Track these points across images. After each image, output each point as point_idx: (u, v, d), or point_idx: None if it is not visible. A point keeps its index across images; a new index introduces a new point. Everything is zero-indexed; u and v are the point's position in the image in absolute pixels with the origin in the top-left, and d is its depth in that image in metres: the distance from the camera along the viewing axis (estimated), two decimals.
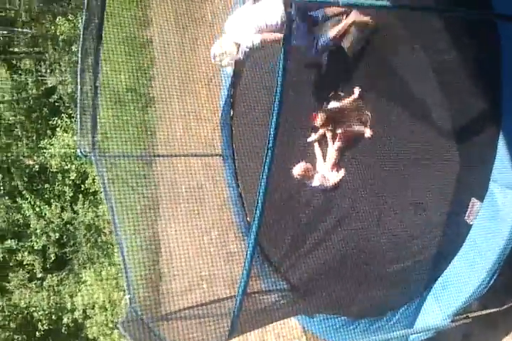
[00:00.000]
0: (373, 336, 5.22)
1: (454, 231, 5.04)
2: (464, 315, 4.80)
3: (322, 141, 6.38)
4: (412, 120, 5.49)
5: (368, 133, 5.90)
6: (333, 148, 6.22)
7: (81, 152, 6.12)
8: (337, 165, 6.23)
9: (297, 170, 6.13)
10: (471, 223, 4.90)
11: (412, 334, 5.00)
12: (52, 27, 15.79)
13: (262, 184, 3.18)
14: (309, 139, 6.43)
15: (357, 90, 5.98)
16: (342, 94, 6.17)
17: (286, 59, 2.94)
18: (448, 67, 5.12)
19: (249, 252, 3.42)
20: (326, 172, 6.21)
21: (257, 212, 3.26)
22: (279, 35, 4.77)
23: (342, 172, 6.17)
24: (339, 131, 6.09)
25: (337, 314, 5.87)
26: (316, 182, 6.17)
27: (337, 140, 6.18)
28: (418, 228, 5.37)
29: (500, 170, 4.64)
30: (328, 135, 6.24)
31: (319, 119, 5.98)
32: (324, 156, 6.32)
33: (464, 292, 4.79)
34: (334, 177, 6.17)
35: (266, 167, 3.18)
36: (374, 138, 5.85)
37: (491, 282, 4.65)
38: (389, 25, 5.54)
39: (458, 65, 5.00)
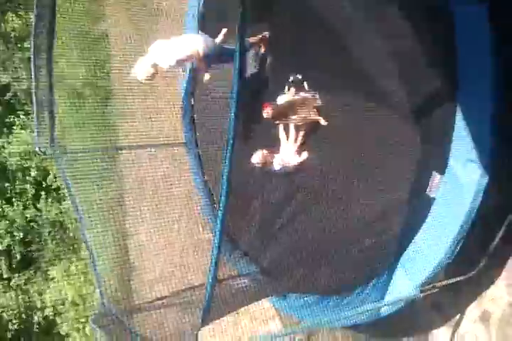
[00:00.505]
0: (345, 311, 5.34)
1: (418, 205, 5.19)
2: (431, 285, 4.96)
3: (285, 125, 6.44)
4: (369, 103, 5.58)
5: (322, 121, 6.06)
6: (292, 133, 6.30)
7: (39, 149, 6.04)
8: (299, 148, 6.30)
9: (255, 158, 6.23)
10: (433, 196, 5.04)
11: (383, 306, 5.13)
12: (2, 24, 15.35)
13: (225, 171, 3.22)
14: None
15: (305, 84, 6.19)
16: (291, 85, 6.32)
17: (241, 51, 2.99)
18: (404, 49, 5.21)
19: (216, 239, 3.46)
20: (287, 155, 6.28)
21: (223, 198, 3.30)
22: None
23: (305, 155, 6.26)
24: (293, 121, 6.19)
25: (307, 292, 5.98)
26: (276, 166, 6.26)
27: (294, 127, 6.28)
28: (383, 204, 5.50)
29: (458, 144, 4.79)
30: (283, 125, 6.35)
31: (268, 113, 6.05)
32: (287, 140, 6.39)
33: (431, 263, 4.97)
34: (296, 159, 6.25)
35: (228, 154, 3.22)
36: (334, 123, 5.94)
37: (455, 252, 4.81)
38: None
39: (413, 46, 5.09)
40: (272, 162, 6.29)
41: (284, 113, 6.13)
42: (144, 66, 5.81)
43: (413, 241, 5.21)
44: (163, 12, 7.34)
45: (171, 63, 5.82)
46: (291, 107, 6.12)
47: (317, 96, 6.13)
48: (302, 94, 6.22)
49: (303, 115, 6.09)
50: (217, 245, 3.49)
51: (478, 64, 4.60)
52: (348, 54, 5.65)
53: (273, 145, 6.36)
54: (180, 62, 5.99)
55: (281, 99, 6.24)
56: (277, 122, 6.30)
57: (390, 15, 5.22)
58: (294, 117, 6.12)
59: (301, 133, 6.29)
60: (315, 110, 6.10)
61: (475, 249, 4.96)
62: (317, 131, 6.21)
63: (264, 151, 6.28)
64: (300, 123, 6.20)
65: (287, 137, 6.37)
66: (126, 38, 6.58)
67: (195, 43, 5.90)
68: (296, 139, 6.31)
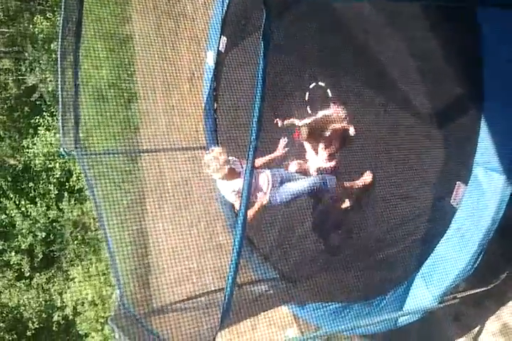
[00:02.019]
0: (364, 320, 5.28)
1: (440, 214, 5.12)
2: (452, 296, 4.89)
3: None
4: (395, 109, 5.55)
5: (351, 131, 5.99)
6: (323, 144, 6.27)
7: (64, 150, 6.09)
8: (328, 157, 6.28)
9: (293, 167, 6.20)
10: (456, 206, 4.97)
11: (401, 316, 5.07)
12: (31, 26, 15.61)
13: (247, 175, 3.21)
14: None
15: (328, 91, 6.12)
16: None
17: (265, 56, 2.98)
18: (428, 53, 5.16)
19: (236, 243, 3.45)
20: (319, 164, 6.25)
21: (243, 202, 3.29)
22: None
23: (334, 162, 6.23)
24: (326, 135, 6.14)
25: (327, 301, 5.93)
26: (313, 172, 6.24)
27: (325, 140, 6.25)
28: (405, 213, 5.43)
29: (483, 152, 4.71)
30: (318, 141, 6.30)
31: (303, 135, 6.02)
32: (315, 151, 6.36)
33: (451, 273, 4.88)
34: (327, 164, 6.23)
35: (250, 159, 3.21)
36: (359, 131, 5.91)
37: (477, 263, 4.73)
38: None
39: (438, 51, 5.04)
40: (307, 170, 6.27)
41: (316, 129, 6.09)
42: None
43: (434, 251, 5.15)
44: (188, 16, 7.39)
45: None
46: (321, 123, 6.08)
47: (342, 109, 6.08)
48: (325, 111, 6.16)
49: (336, 128, 6.05)
50: (237, 249, 3.47)
51: (504, 71, 4.54)
52: (371, 60, 5.63)
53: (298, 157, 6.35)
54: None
55: (306, 120, 6.18)
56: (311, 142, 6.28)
57: (415, 24, 5.19)
58: (327, 133, 6.09)
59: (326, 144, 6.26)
60: (342, 122, 6.05)
61: (497, 260, 4.90)
62: (342, 141, 6.18)
63: (301, 161, 6.27)
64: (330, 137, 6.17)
65: (314, 149, 6.35)
66: (150, 41, 6.63)
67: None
68: (323, 151, 6.28)
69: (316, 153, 6.31)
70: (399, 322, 5.22)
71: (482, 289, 4.87)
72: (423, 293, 5.12)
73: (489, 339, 5.33)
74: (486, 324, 5.35)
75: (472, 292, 4.92)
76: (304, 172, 6.24)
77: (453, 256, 4.91)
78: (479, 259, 4.73)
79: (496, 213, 4.57)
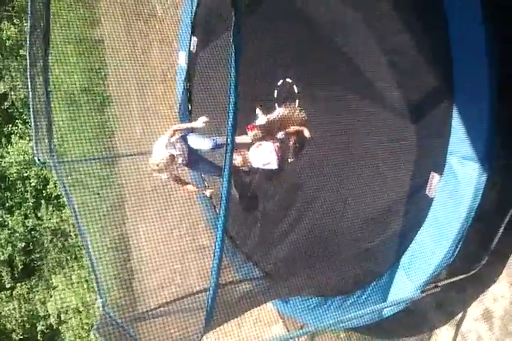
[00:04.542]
0: (347, 313, 5.33)
1: (417, 205, 5.17)
2: (433, 285, 4.95)
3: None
4: (367, 102, 5.58)
5: (306, 133, 6.06)
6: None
7: (38, 159, 6.02)
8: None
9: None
10: (432, 196, 5.03)
11: (384, 307, 5.12)
12: None
13: (225, 174, 3.22)
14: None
15: (295, 87, 6.15)
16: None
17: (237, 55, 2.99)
18: (398, 47, 5.21)
19: (217, 244, 3.46)
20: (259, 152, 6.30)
21: (223, 203, 3.30)
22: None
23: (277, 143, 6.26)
24: (279, 136, 6.20)
25: (310, 295, 5.97)
26: (254, 162, 6.32)
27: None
28: (381, 205, 5.48)
29: (456, 142, 4.78)
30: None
31: (257, 135, 6.04)
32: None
33: (431, 263, 4.94)
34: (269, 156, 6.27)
35: (227, 160, 3.22)
36: (330, 121, 5.94)
37: (456, 251, 4.80)
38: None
39: (408, 44, 5.09)
40: (249, 160, 6.31)
41: (270, 131, 6.12)
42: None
43: (413, 241, 5.21)
44: (158, 17, 7.37)
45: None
46: (277, 124, 6.11)
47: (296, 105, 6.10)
48: (280, 109, 6.20)
49: (291, 129, 6.09)
50: (218, 250, 3.48)
51: (474, 63, 4.60)
52: (340, 52, 5.66)
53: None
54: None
55: (261, 120, 6.23)
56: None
57: (384, 14, 5.23)
58: (281, 133, 6.12)
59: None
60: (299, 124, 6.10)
61: (476, 247, 4.96)
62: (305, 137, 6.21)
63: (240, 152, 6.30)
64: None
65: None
66: (121, 44, 6.59)
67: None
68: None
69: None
70: (383, 314, 5.28)
71: (462, 276, 4.93)
72: (405, 284, 5.18)
73: (471, 324, 5.42)
74: (469, 310, 5.43)
75: (453, 280, 4.98)
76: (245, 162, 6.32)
77: (432, 245, 4.97)
78: (458, 247, 4.79)
79: (473, 201, 4.63)
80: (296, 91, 6.24)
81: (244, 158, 6.25)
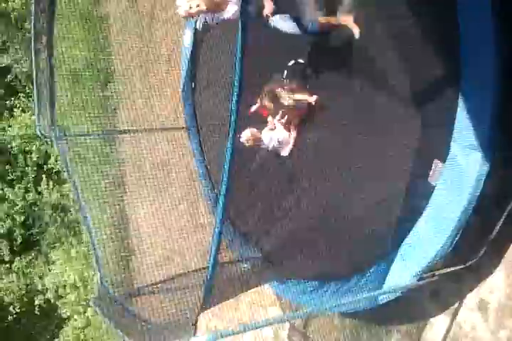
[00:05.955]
0: (343, 298, 5.35)
1: (418, 192, 5.15)
2: (431, 274, 4.95)
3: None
4: (372, 88, 5.53)
5: (312, 99, 5.99)
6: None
7: (40, 132, 5.99)
8: (287, 125, 6.32)
9: (244, 136, 6.19)
10: (434, 184, 5.01)
11: (380, 294, 5.13)
12: (3, 4, 15.22)
13: (228, 154, 3.20)
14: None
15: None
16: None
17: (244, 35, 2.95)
18: (406, 34, 5.14)
19: (217, 223, 3.45)
20: (275, 131, 6.30)
21: (224, 182, 3.29)
22: None
23: (293, 132, 6.28)
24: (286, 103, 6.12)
25: (308, 278, 5.99)
26: (266, 141, 6.29)
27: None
28: (383, 191, 5.46)
29: (460, 131, 4.73)
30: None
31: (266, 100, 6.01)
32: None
33: (430, 251, 4.93)
34: (284, 134, 6.29)
35: (230, 138, 3.20)
36: (334, 107, 5.90)
37: (455, 241, 4.79)
38: None
39: (416, 31, 5.02)
40: (261, 139, 6.28)
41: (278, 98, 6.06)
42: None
43: (413, 229, 5.19)
44: None
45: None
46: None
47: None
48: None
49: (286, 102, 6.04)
50: (218, 229, 3.47)
51: (480, 52, 4.55)
52: (347, 41, 5.59)
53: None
54: None
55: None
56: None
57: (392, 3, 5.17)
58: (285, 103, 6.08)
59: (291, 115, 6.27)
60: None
61: (475, 237, 4.94)
62: (313, 114, 6.17)
63: (252, 129, 6.25)
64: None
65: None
66: (126, 20, 6.53)
67: None
68: (283, 117, 6.27)
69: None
70: (379, 300, 5.29)
71: (461, 266, 4.93)
72: (402, 271, 5.18)
73: (467, 314, 5.42)
74: (465, 300, 5.43)
75: (451, 269, 4.98)
76: (257, 141, 6.30)
77: (432, 233, 4.96)
78: (458, 237, 4.78)
79: (475, 190, 4.61)
80: (307, 72, 6.20)
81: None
